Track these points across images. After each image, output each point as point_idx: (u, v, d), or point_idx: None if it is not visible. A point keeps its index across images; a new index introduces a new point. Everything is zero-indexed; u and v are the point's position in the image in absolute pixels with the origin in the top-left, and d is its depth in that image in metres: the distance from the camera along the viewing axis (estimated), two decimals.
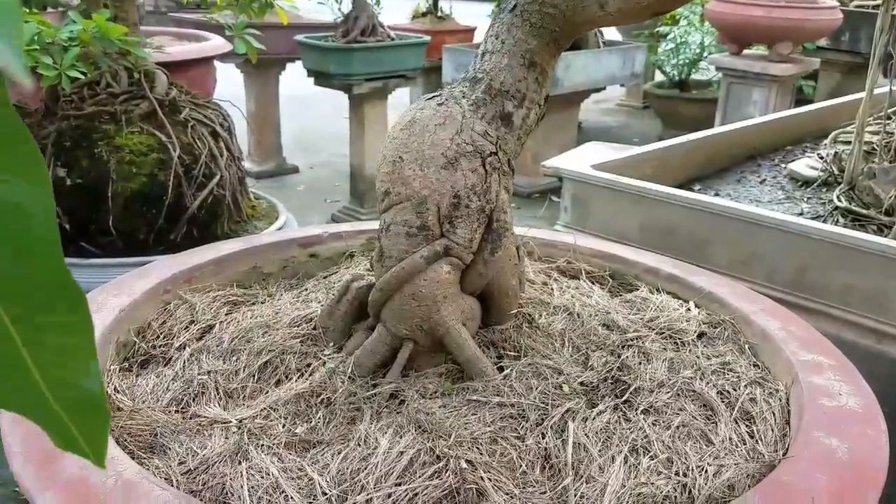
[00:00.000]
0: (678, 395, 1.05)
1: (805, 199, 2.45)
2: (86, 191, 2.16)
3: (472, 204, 1.03)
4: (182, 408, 0.99)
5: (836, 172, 2.44)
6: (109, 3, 2.45)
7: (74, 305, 0.35)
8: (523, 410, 0.98)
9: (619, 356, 1.12)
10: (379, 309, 1.07)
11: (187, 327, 1.18)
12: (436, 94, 1.08)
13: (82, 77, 2.03)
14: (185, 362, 1.08)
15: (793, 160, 2.79)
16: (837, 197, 2.21)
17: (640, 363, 1.11)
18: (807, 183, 2.53)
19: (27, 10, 2.25)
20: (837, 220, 2.15)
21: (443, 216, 1.03)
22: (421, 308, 1.04)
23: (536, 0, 1.02)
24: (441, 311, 1.04)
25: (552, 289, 1.33)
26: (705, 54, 5.78)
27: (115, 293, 1.16)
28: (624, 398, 1.04)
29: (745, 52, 4.48)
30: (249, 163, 5.23)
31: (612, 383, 1.07)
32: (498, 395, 1.00)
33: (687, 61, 5.91)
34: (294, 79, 5.33)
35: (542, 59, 1.05)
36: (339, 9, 4.19)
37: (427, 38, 4.41)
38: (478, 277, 1.08)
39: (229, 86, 5.15)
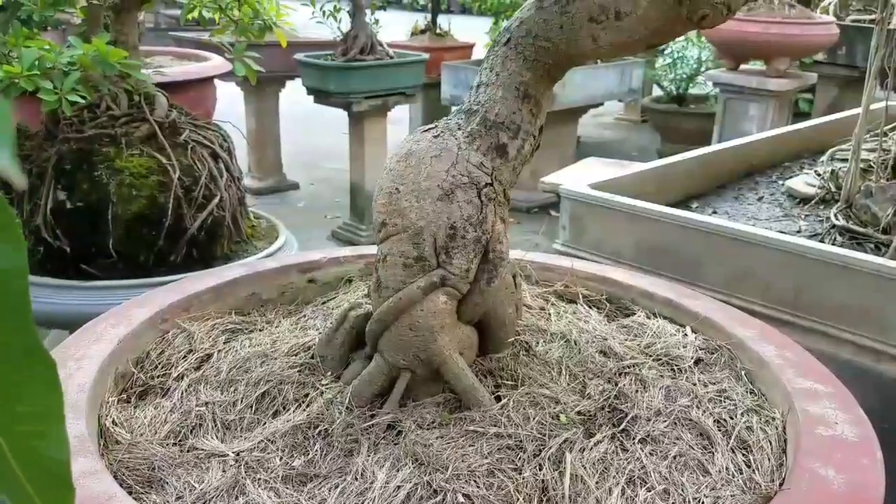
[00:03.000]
0: (675, 423, 1.05)
1: (803, 216, 2.46)
2: (86, 213, 2.17)
3: (468, 234, 1.04)
4: (180, 440, 0.99)
5: (834, 190, 2.45)
6: (110, 25, 2.47)
7: (45, 372, 0.35)
8: (520, 441, 0.98)
9: (617, 384, 1.12)
10: (376, 339, 1.07)
11: (185, 357, 1.18)
12: (431, 126, 1.09)
13: (82, 101, 2.04)
14: (183, 393, 1.08)
15: (790, 176, 2.80)
16: (835, 215, 2.22)
17: (637, 391, 1.11)
18: (804, 200, 2.54)
19: (27, 31, 2.26)
20: (835, 238, 2.16)
21: (439, 247, 1.04)
22: (418, 338, 1.04)
23: (530, 34, 1.03)
24: (438, 341, 1.05)
25: (549, 314, 1.34)
26: (702, 69, 5.81)
27: (114, 323, 1.17)
28: (621, 427, 1.04)
29: (742, 67, 4.50)
30: (250, 179, 5.25)
31: (609, 412, 1.07)
32: (495, 426, 1.00)
33: (684, 76, 5.93)
34: (294, 95, 5.36)
35: (536, 92, 1.06)
36: (339, 27, 4.22)
37: (426, 55, 4.43)
38: (474, 307, 1.08)
39: (229, 103, 5.18)
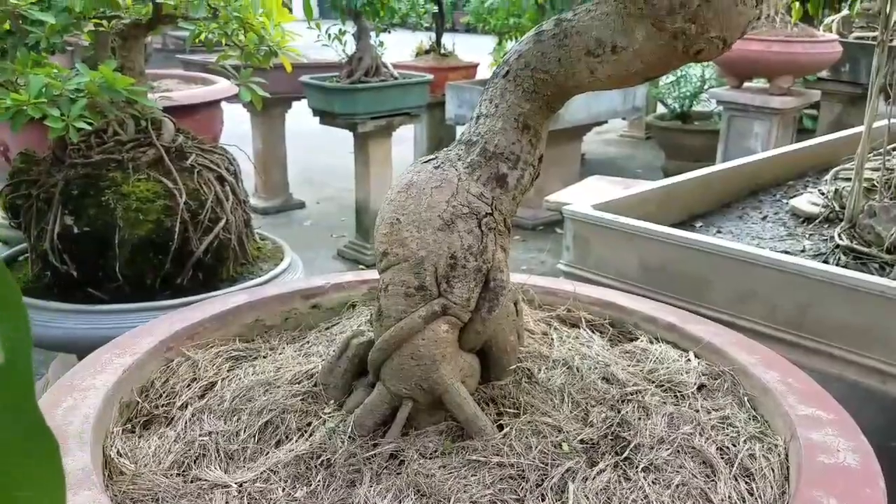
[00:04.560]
0: (678, 451, 1.05)
1: (807, 235, 2.46)
2: (93, 238, 2.18)
3: (469, 264, 1.05)
4: (183, 471, 1.00)
5: (838, 209, 2.45)
6: (117, 50, 2.50)
7: (48, 455, 0.34)
8: (523, 471, 0.98)
9: (619, 411, 1.12)
10: (378, 368, 1.08)
11: (189, 385, 1.19)
12: (432, 157, 1.10)
13: (89, 127, 2.06)
14: (187, 422, 1.09)
15: (795, 195, 2.80)
16: (839, 235, 2.22)
17: (639, 418, 1.11)
18: (809, 219, 2.54)
19: (35, 56, 2.29)
20: (839, 258, 2.16)
21: (440, 276, 1.05)
22: (420, 367, 1.05)
23: (529, 66, 1.04)
24: (440, 369, 1.05)
25: (552, 339, 1.34)
26: (706, 87, 5.83)
27: (119, 352, 1.18)
28: (624, 455, 1.04)
29: (746, 85, 4.52)
30: (256, 199, 5.28)
31: (612, 440, 1.07)
32: (497, 455, 1.01)
33: (688, 94, 5.95)
34: (300, 115, 5.40)
35: (535, 122, 1.07)
36: (344, 50, 4.26)
37: (430, 76, 4.47)
38: (476, 335, 1.09)
39: (237, 123, 5.22)
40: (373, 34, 4.22)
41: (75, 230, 2.19)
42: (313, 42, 4.10)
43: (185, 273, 2.29)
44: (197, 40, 2.61)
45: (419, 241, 1.04)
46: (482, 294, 1.07)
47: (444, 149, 1.11)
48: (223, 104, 3.74)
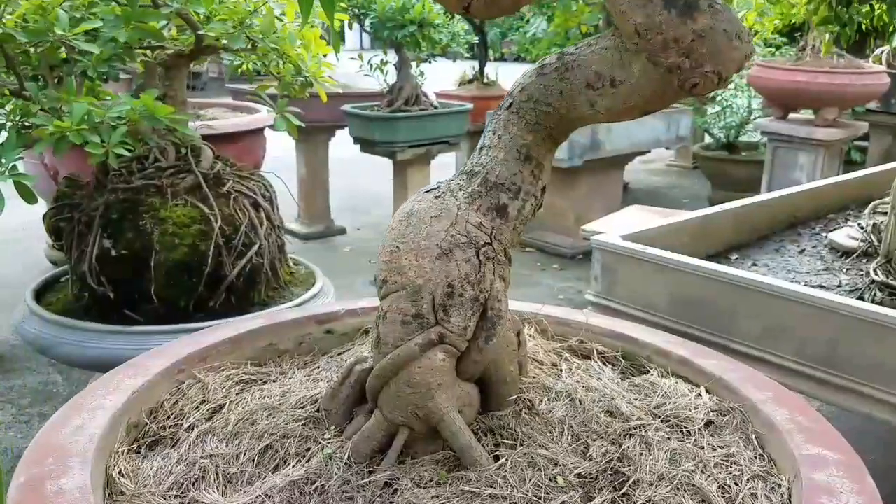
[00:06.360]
0: (677, 489, 1.03)
1: (844, 270, 2.39)
2: (130, 261, 2.25)
3: (466, 293, 1.06)
4: (182, 492, 1.02)
5: (876, 243, 2.39)
6: (160, 80, 2.60)
7: None
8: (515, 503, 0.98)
9: (620, 446, 1.11)
10: (376, 395, 1.09)
11: (198, 407, 1.22)
12: (434, 186, 1.12)
13: (129, 154, 2.14)
14: (190, 444, 1.11)
15: (834, 228, 2.74)
16: (874, 270, 2.16)
17: (641, 454, 1.10)
18: (847, 253, 2.48)
19: (88, 84, 2.38)
20: (875, 293, 2.10)
21: (437, 305, 1.06)
22: (416, 395, 1.05)
23: (532, 98, 1.05)
24: (435, 398, 1.06)
25: (560, 370, 1.33)
26: (752, 117, 5.74)
27: (131, 374, 1.21)
28: (622, 491, 1.02)
29: (791, 115, 4.44)
30: (299, 225, 5.37)
31: (610, 475, 1.06)
32: (491, 487, 1.00)
33: (734, 124, 5.87)
34: (344, 142, 5.50)
35: (537, 153, 1.08)
36: (385, 79, 4.34)
37: (469, 105, 4.51)
38: (473, 364, 1.09)
39: (284, 150, 5.34)
40: (413, 64, 4.29)
41: (113, 253, 2.26)
42: (355, 72, 4.19)
43: (217, 296, 2.34)
44: (240, 69, 2.69)
45: (417, 269, 1.05)
46: (480, 323, 1.08)
47: (447, 179, 1.12)
48: (272, 133, 3.83)
